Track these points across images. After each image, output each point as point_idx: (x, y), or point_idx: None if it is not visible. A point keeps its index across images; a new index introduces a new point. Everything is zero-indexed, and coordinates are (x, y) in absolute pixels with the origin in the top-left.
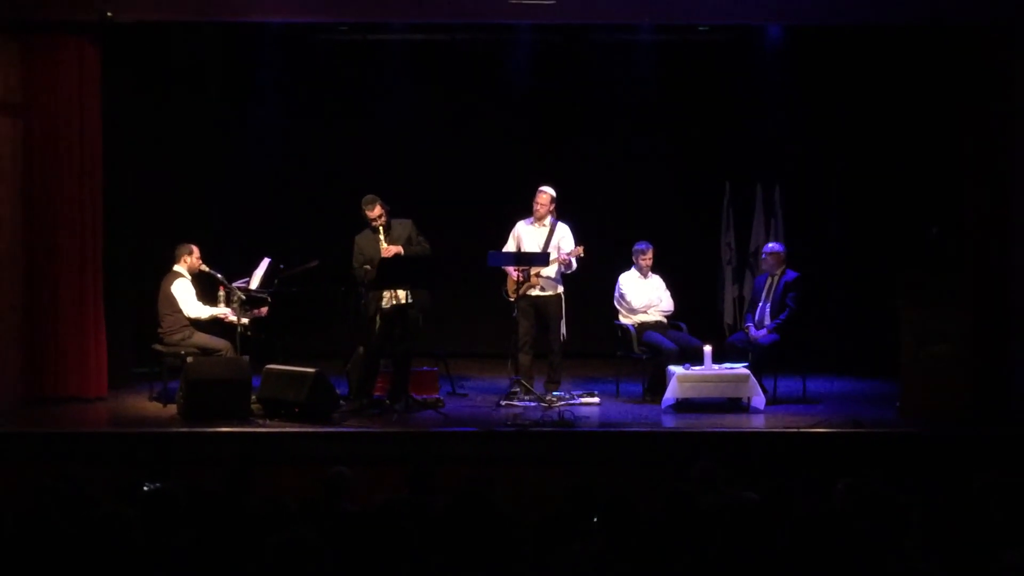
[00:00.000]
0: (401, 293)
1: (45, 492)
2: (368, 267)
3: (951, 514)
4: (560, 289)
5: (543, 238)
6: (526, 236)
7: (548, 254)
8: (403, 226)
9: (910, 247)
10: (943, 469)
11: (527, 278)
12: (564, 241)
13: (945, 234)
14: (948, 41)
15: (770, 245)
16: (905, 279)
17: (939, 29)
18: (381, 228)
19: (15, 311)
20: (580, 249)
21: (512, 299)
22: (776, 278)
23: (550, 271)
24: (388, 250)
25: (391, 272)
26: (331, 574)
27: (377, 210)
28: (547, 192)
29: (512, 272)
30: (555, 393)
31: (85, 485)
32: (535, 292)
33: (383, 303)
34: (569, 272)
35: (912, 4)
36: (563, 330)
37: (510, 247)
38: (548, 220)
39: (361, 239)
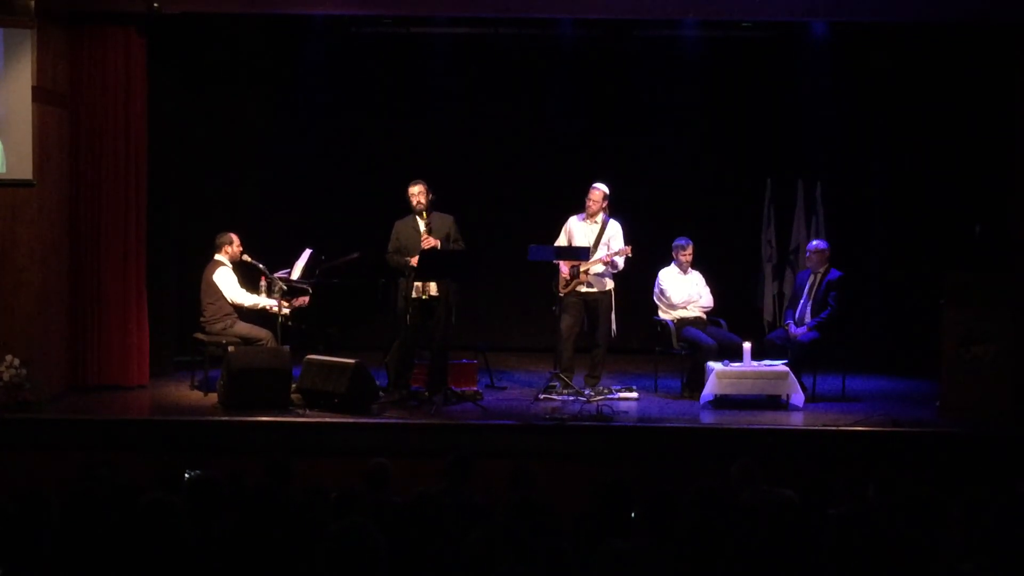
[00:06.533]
0: (432, 286)
1: (91, 478)
2: (399, 255)
3: (991, 515)
4: (610, 285)
5: (594, 234)
6: (577, 232)
7: (588, 249)
8: (444, 221)
9: (954, 246)
10: (983, 470)
11: (576, 274)
12: (614, 239)
13: (990, 233)
14: (994, 39)
15: (815, 242)
16: (949, 278)
17: (985, 27)
18: (424, 214)
19: (60, 300)
20: (627, 249)
21: (562, 294)
22: (819, 276)
23: (600, 268)
24: (428, 241)
25: (430, 265)
26: (385, 563)
27: (419, 189)
28: (600, 189)
29: (563, 267)
30: (594, 387)
31: (128, 472)
32: (584, 288)
33: (412, 294)
34: (616, 271)
35: (958, 2)
36: (613, 326)
37: (562, 242)
38: (600, 217)
39: (401, 224)
